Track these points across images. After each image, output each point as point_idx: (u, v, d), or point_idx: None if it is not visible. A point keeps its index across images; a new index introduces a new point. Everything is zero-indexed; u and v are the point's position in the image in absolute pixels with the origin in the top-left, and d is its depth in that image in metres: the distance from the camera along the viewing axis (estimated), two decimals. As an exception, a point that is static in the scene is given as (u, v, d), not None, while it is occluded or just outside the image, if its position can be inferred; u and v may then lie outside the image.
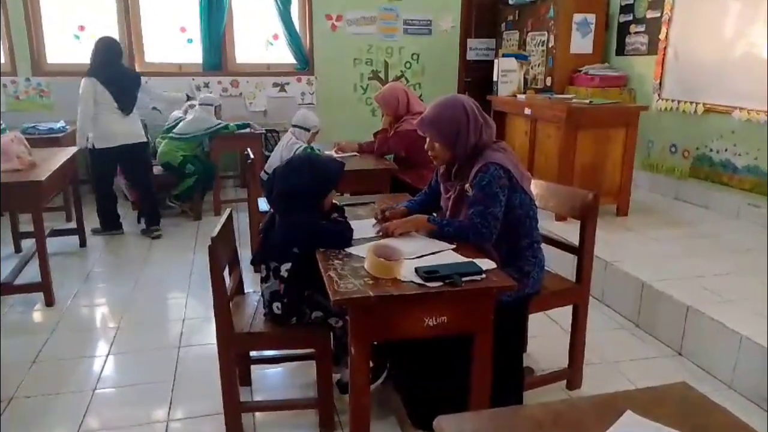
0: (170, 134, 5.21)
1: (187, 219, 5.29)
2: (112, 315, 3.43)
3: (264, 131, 5.71)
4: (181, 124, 5.26)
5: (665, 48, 5.07)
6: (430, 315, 1.77)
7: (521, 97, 5.04)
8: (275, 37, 6.50)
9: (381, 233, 2.23)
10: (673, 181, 5.07)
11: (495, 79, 5.17)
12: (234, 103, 6.35)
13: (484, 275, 1.80)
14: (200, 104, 5.27)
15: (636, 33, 5.48)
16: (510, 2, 6.25)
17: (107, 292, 3.75)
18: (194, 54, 6.27)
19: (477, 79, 6.92)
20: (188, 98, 5.47)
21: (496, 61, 5.30)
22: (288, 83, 6.56)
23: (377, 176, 3.72)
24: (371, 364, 2.26)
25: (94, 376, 2.74)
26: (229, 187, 6.42)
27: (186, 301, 3.57)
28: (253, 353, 2.66)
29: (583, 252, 2.47)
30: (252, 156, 3.92)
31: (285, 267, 2.19)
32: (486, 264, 1.89)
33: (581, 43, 5.71)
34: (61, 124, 5.16)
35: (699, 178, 4.84)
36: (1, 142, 3.40)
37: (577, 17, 5.64)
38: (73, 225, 4.61)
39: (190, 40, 6.27)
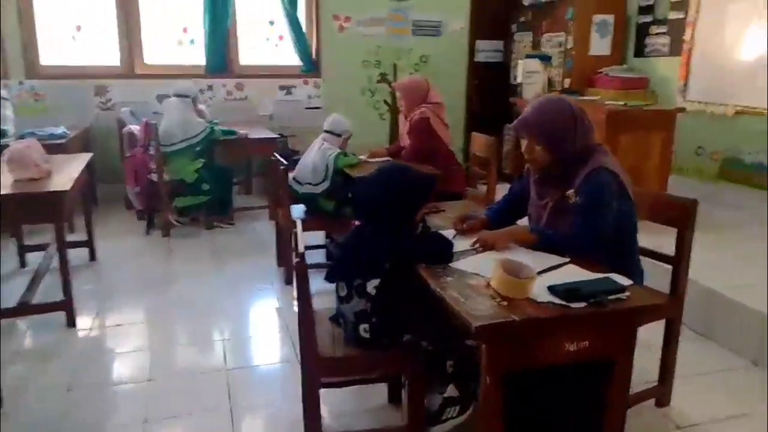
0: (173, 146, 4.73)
1: (197, 228, 4.99)
2: (142, 335, 3.16)
3: (279, 136, 5.45)
4: (162, 125, 4.68)
5: (690, 49, 4.99)
6: (572, 339, 1.58)
7: (548, 99, 4.89)
8: (281, 38, 6.25)
9: (478, 246, 2.03)
10: (700, 184, 4.97)
11: (519, 80, 5.03)
12: (239, 107, 6.09)
13: (628, 293, 1.61)
14: (175, 95, 4.80)
15: (657, 34, 5.38)
16: (525, 3, 6.11)
17: (131, 310, 3.46)
18: (196, 56, 5.98)
19: (485, 81, 6.78)
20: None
21: (519, 62, 5.17)
22: (294, 86, 6.31)
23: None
24: (457, 393, 2.07)
25: (141, 405, 2.47)
26: (236, 194, 6.12)
27: (220, 319, 3.31)
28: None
29: (680, 262, 2.31)
30: (284, 162, 3.68)
31: (372, 284, 1.97)
32: (622, 280, 1.71)
33: (600, 45, 5.60)
34: (62, 129, 4.83)
35: (730, 181, 4.76)
36: (14, 149, 3.11)
37: (597, 18, 5.53)
38: (76, 237, 4.28)
39: (192, 41, 5.98)
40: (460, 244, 2.04)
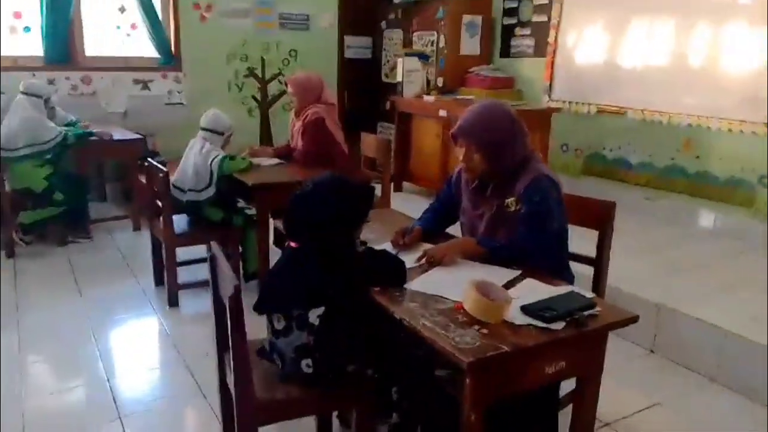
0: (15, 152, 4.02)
1: (47, 246, 4.31)
2: (-1, 384, 2.60)
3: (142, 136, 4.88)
4: (2, 127, 4.03)
5: (554, 51, 5.28)
6: (551, 362, 1.50)
7: (428, 98, 4.90)
8: (133, 26, 5.62)
9: (425, 262, 1.89)
10: (566, 179, 5.29)
11: (399, 79, 4.97)
12: (87, 103, 5.37)
13: (599, 308, 1.56)
14: (23, 93, 4.12)
15: (522, 36, 5.63)
16: (395, 0, 6.08)
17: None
18: (33, 45, 5.17)
19: (356, 78, 6.68)
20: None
21: (399, 60, 5.10)
22: (152, 80, 5.72)
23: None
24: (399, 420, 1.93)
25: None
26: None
27: (93, 357, 2.82)
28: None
29: (601, 264, 2.35)
30: (163, 168, 3.25)
31: (316, 313, 1.75)
32: (584, 292, 1.66)
33: (470, 44, 5.73)
34: None
35: (593, 176, 5.11)
36: None
37: (466, 18, 5.65)
38: None
39: (27, 29, 5.15)
40: (410, 261, 1.89)
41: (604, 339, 1.58)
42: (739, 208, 4.12)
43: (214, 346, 1.94)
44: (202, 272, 3.70)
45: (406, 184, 5.41)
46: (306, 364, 1.77)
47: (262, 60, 6.14)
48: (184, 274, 3.55)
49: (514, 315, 1.51)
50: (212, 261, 1.85)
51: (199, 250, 3.79)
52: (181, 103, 5.81)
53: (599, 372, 1.60)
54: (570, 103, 5.18)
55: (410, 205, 4.81)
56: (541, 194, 1.93)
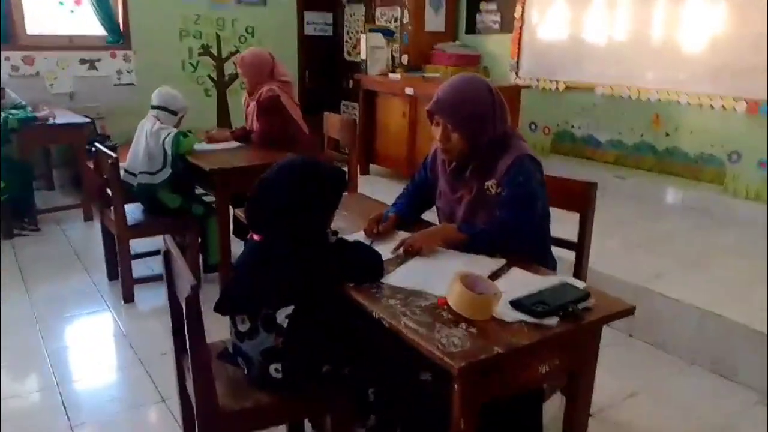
0: None
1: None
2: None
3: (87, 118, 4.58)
4: None
5: (521, 27, 5.14)
6: (544, 360, 1.38)
7: (394, 76, 4.72)
8: (78, 2, 5.26)
9: (402, 252, 1.75)
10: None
11: (363, 56, 4.77)
12: (29, 85, 5.02)
13: (593, 299, 1.44)
14: None
15: (487, 11, 5.48)
16: (356, -26, 5.85)
17: None
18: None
19: (317, 56, 6.45)
20: None
21: (362, 36, 4.90)
22: (99, 59, 5.40)
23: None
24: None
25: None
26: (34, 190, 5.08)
27: (41, 362, 2.60)
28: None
29: (582, 248, 2.25)
30: (112, 153, 3.00)
31: (284, 313, 1.58)
32: (576, 282, 1.54)
33: (434, 21, 5.56)
34: None
35: (561, 154, 5.03)
36: None
37: (430, -7, 5.47)
38: None
39: (-43, 3, 4.77)
40: (386, 251, 1.74)
41: (599, 331, 1.47)
42: (710, 185, 4.09)
43: (172, 349, 1.77)
44: (159, 264, 3.51)
45: (372, 167, 5.24)
46: (275, 369, 1.61)
47: (218, 37, 5.83)
48: (140, 267, 3.34)
49: (504, 310, 1.38)
50: (167, 257, 1.66)
51: (156, 241, 3.57)
52: (132, 84, 5.51)
53: (594, 365, 1.49)
54: (537, 80, 5.07)
55: (378, 188, 4.67)
56: (524, 175, 1.80)
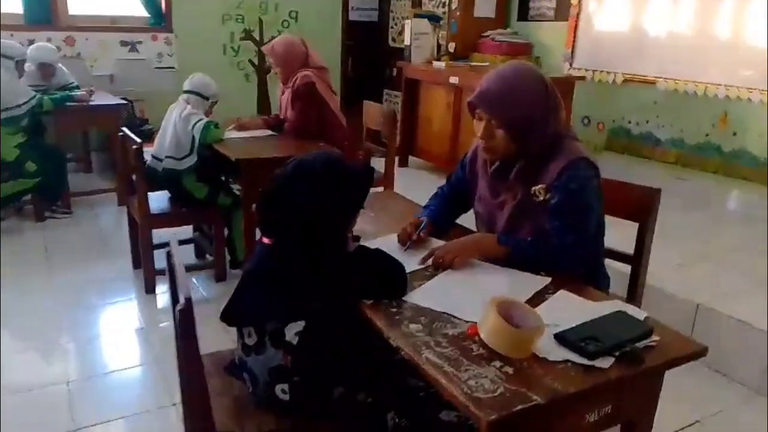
0: None
1: (23, 220, 3.98)
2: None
3: (124, 102, 4.50)
4: None
5: (578, 14, 4.81)
6: (594, 408, 1.14)
7: (439, 64, 4.47)
8: (120, -17, 5.20)
9: (431, 265, 1.53)
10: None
11: (407, 42, 4.53)
12: (71, 66, 4.95)
13: (657, 337, 1.20)
14: None
15: (541, -3, 5.16)
16: (404, -43, 5.61)
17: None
18: (12, 2, 4.76)
19: (361, 42, 6.24)
20: None
21: (406, 22, 4.66)
22: (140, 42, 5.33)
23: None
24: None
25: None
26: (71, 173, 5.06)
27: (56, 351, 2.51)
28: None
29: (640, 263, 1.98)
30: (136, 138, 2.87)
31: (294, 329, 1.39)
32: (635, 311, 1.30)
33: (484, 7, 5.26)
34: None
35: (616, 152, 4.69)
36: None
37: (481, -23, 5.17)
38: None
39: (2, -17, 4.75)
40: (412, 263, 1.53)
41: (661, 375, 1.22)
42: (781, 190, 3.72)
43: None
44: (188, 254, 3.39)
45: (412, 159, 5.02)
46: (281, 390, 1.43)
47: (260, 21, 5.71)
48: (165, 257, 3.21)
49: (546, 346, 1.15)
50: (169, 258, 1.49)
51: (187, 230, 3.46)
52: (172, 68, 5.43)
53: (653, 414, 1.25)
54: (593, 71, 4.73)
55: (417, 182, 4.45)
56: (579, 182, 1.55)
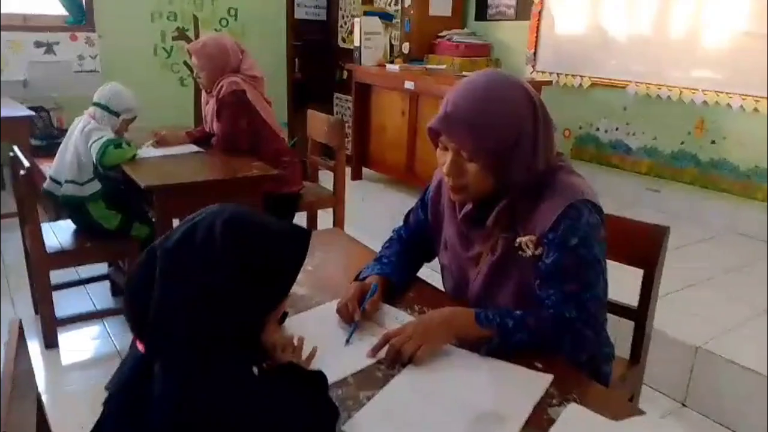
0: None
1: None
2: None
3: (36, 111, 3.93)
4: None
5: (540, 13, 4.47)
6: None
7: (392, 67, 4.06)
8: (32, -25, 4.60)
9: (386, 359, 1.10)
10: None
11: (356, 43, 4.10)
12: (-26, 70, 4.37)
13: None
14: None
15: (501, -5, 4.80)
16: (352, -50, 5.17)
17: None
18: None
19: (308, 43, 5.77)
20: None
21: (356, 20, 4.22)
22: (57, 42, 4.72)
23: (246, 188, 2.42)
24: None
25: None
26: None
27: None
28: None
29: (645, 316, 1.60)
30: (25, 162, 2.35)
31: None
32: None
33: (440, 5, 4.87)
34: None
35: (584, 160, 4.37)
36: None
37: (436, -28, 4.79)
38: None
39: None
40: (349, 357, 1.09)
41: None
42: (762, 204, 3.44)
43: None
44: (101, 295, 2.88)
45: (366, 171, 4.58)
46: None
47: (195, 19, 5.18)
48: (72, 297, 2.70)
49: None
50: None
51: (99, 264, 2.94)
52: (95, 71, 4.84)
53: None
54: (557, 74, 4.40)
55: (373, 198, 4.02)
56: (582, 235, 1.14)
